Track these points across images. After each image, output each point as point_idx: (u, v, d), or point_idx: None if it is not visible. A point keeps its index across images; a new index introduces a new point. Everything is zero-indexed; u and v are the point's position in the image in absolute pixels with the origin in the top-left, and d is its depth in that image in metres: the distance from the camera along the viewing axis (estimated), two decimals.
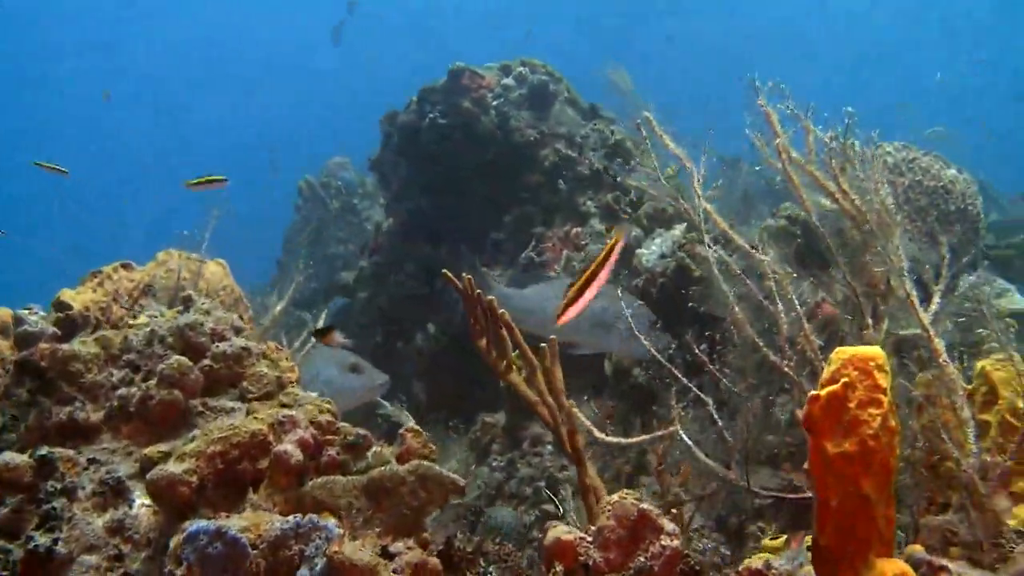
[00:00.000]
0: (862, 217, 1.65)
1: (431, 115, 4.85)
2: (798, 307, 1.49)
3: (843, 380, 0.97)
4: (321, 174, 9.26)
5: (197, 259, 2.31)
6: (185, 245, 2.46)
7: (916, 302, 1.33)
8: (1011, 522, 1.18)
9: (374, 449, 1.60)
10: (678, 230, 4.28)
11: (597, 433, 1.56)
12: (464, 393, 4.64)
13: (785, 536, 1.57)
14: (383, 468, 1.48)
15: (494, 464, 4.10)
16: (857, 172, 1.72)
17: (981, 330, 3.17)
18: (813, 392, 0.99)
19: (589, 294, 1.88)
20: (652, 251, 4.10)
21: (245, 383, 1.73)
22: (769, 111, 1.91)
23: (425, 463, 1.50)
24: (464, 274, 2.09)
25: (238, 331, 1.93)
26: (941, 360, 1.27)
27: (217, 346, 1.75)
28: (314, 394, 1.78)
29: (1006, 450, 1.23)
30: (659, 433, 1.56)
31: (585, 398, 4.03)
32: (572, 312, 2.23)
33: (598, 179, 4.73)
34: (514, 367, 2.17)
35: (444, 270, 2.22)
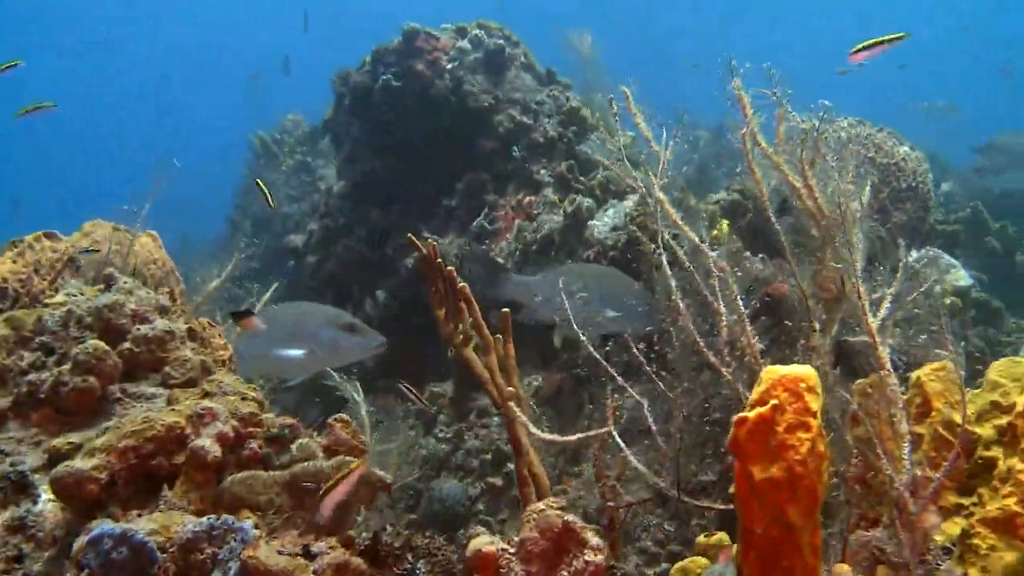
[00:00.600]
0: (825, 219, 1.60)
1: (384, 77, 4.72)
2: (741, 308, 1.44)
3: (772, 402, 0.93)
4: (275, 130, 9.06)
5: (126, 231, 2.21)
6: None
7: (867, 308, 1.29)
8: (939, 538, 1.16)
9: (300, 441, 1.54)
10: (631, 201, 4.23)
11: (533, 429, 1.51)
12: (413, 362, 4.58)
13: (719, 534, 1.55)
14: (307, 464, 1.42)
15: (441, 435, 4.07)
16: (831, 163, 1.66)
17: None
18: (740, 415, 0.95)
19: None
20: (604, 223, 4.05)
21: (168, 368, 1.66)
22: (742, 95, 1.84)
23: (350, 459, 1.44)
24: (429, 239, 2.06)
25: (163, 311, 1.84)
26: (884, 371, 1.23)
27: (139, 328, 1.67)
28: (237, 381, 1.71)
29: (937, 464, 1.21)
30: (592, 433, 1.52)
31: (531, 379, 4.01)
32: None
33: (553, 147, 4.66)
34: (470, 342, 2.14)
35: (409, 234, 2.19)
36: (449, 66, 4.72)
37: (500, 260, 4.20)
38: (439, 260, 2.10)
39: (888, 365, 1.23)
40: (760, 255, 3.50)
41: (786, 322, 2.39)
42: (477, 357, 2.08)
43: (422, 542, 1.61)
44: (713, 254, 1.60)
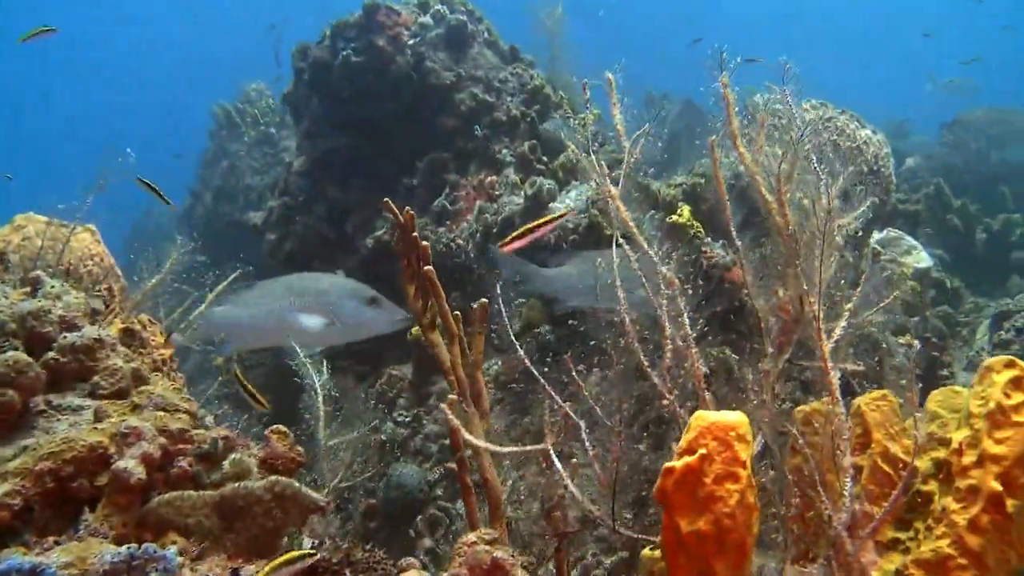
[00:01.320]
0: (791, 239, 1.54)
1: (344, 52, 4.61)
2: (687, 327, 1.39)
3: (700, 451, 0.90)
4: (237, 99, 8.89)
5: (61, 225, 2.12)
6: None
7: (823, 333, 1.25)
8: (875, 575, 1.14)
9: (233, 456, 1.49)
10: (593, 183, 4.19)
11: (468, 436, 1.47)
12: (372, 342, 4.52)
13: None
14: (237, 485, 1.37)
15: (399, 419, 4.03)
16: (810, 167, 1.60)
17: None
18: (668, 464, 0.91)
19: None
20: (565, 205, 4.01)
21: (96, 377, 1.59)
22: (728, 94, 1.78)
23: (283, 480, 1.39)
24: (407, 209, 1.95)
25: (96, 315, 1.78)
26: (833, 400, 1.20)
27: (66, 337, 1.60)
28: (171, 391, 1.65)
29: (876, 497, 1.18)
30: (531, 448, 1.48)
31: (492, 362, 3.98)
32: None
33: (516, 126, 4.59)
34: (436, 325, 2.06)
35: (386, 199, 2.03)
36: (411, 42, 4.62)
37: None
38: (415, 235, 1.98)
39: (838, 394, 1.20)
40: (721, 240, 3.48)
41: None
42: (442, 344, 2.01)
43: (361, 556, 1.57)
44: (665, 270, 1.55)
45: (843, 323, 1.27)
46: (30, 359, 1.50)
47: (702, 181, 3.81)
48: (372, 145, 4.75)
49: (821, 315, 1.27)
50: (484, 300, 2.00)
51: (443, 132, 4.61)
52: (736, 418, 0.91)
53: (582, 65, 5.53)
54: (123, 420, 1.39)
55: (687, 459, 0.90)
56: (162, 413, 1.45)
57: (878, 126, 10.29)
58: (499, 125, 4.56)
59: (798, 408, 1.37)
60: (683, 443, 0.92)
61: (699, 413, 0.93)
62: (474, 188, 4.42)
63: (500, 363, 3.91)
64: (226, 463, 1.47)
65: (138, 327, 2.07)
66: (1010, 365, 1.16)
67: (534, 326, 3.82)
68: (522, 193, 4.10)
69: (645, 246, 1.64)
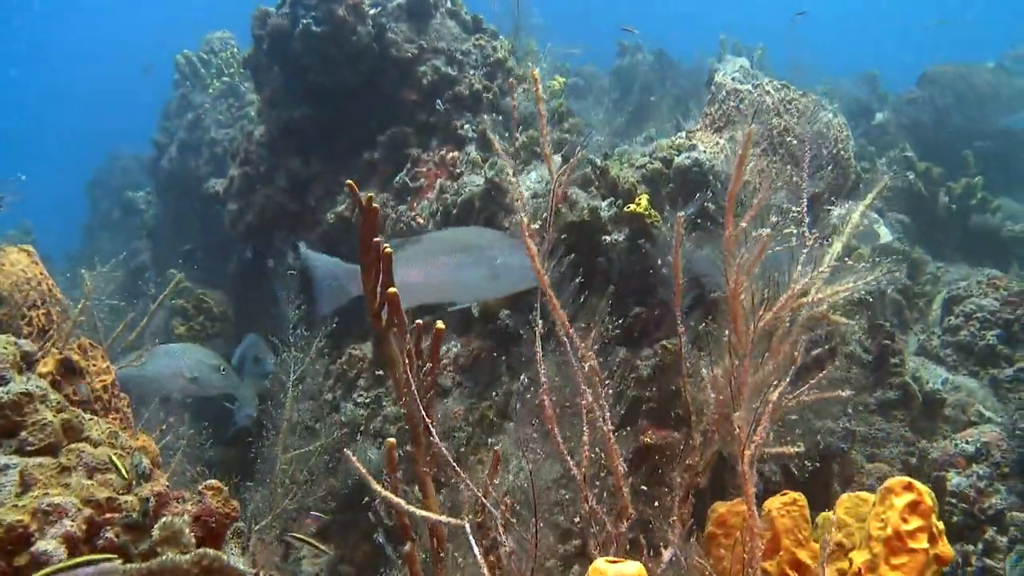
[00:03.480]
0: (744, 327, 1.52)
1: (304, 20, 4.51)
2: (607, 413, 1.39)
3: None
4: (200, 47, 8.69)
5: None
6: None
7: (746, 438, 1.24)
8: None
9: (164, 520, 1.50)
10: (554, 164, 4.15)
11: (388, 498, 1.49)
12: (334, 317, 4.52)
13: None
14: (164, 559, 1.38)
15: (359, 400, 4.05)
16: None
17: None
18: None
19: None
20: (526, 187, 3.99)
21: (24, 433, 1.59)
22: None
23: (211, 553, 1.41)
24: (368, 194, 1.86)
25: (27, 359, 1.77)
26: (749, 514, 1.21)
27: None
28: (105, 438, 1.66)
29: None
30: (445, 519, 1.50)
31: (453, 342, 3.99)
32: None
33: (478, 101, 4.53)
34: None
35: (349, 181, 1.92)
36: (372, 12, 4.52)
37: None
38: (377, 241, 1.81)
39: (752, 504, 1.22)
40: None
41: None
42: (398, 357, 1.96)
43: None
44: (582, 344, 1.54)
45: (763, 426, 1.28)
46: None
47: (661, 167, 3.79)
48: (334, 116, 4.68)
49: (747, 428, 1.27)
50: (440, 323, 1.96)
51: (405, 105, 4.55)
52: (634, 571, 0.93)
53: (548, 31, 5.45)
54: (46, 494, 1.40)
55: None
56: (89, 482, 1.46)
57: (849, 77, 10.21)
58: (461, 99, 4.51)
59: (712, 507, 1.39)
60: None
61: (595, 567, 0.94)
62: (436, 164, 4.38)
63: (460, 345, 3.92)
64: (156, 528, 1.48)
65: (76, 356, 2.06)
66: (908, 488, 1.18)
67: (493, 312, 3.83)
68: (483, 173, 4.06)
69: (570, 330, 1.58)
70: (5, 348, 1.70)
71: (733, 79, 4.23)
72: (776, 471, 2.74)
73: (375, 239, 1.81)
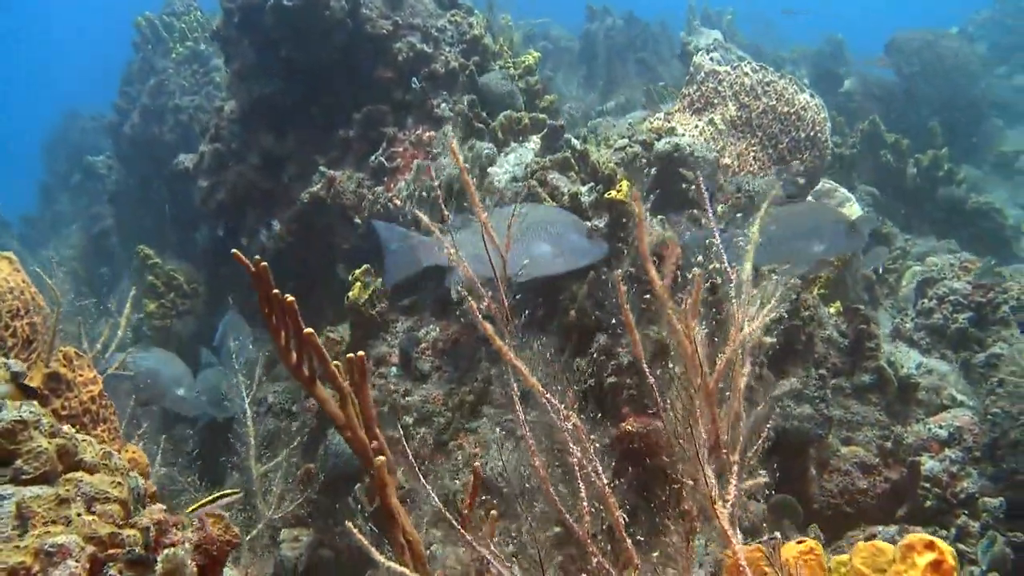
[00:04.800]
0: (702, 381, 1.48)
1: None
2: (599, 471, 1.39)
3: None
4: (162, 10, 8.46)
5: None
6: None
7: (720, 500, 1.25)
8: None
9: (166, 552, 1.50)
10: (532, 146, 4.13)
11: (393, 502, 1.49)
12: (308, 296, 4.49)
13: None
14: None
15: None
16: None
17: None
18: None
19: None
20: (505, 171, 3.96)
21: (19, 461, 1.56)
22: None
23: None
24: (255, 257, 1.72)
25: (16, 380, 1.74)
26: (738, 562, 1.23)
27: None
28: (102, 461, 1.64)
29: None
30: None
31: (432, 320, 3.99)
32: None
33: (454, 79, 4.47)
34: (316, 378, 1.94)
35: (234, 250, 1.71)
36: None
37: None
38: (276, 294, 1.68)
39: (742, 559, 1.23)
40: (660, 216, 3.49)
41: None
42: (330, 398, 1.91)
43: None
44: (569, 424, 1.51)
45: (733, 483, 1.29)
46: None
47: (640, 150, 3.79)
48: (308, 93, 4.60)
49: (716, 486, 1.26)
50: (361, 354, 1.88)
51: (380, 83, 4.48)
52: None
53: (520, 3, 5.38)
54: (47, 532, 1.38)
55: None
56: (90, 518, 1.45)
57: (815, 43, 10.17)
58: (437, 77, 4.44)
59: (725, 551, 1.40)
60: None
61: None
62: (412, 144, 4.34)
63: (439, 329, 3.92)
64: (159, 562, 1.47)
65: (63, 369, 2.03)
66: (930, 547, 1.21)
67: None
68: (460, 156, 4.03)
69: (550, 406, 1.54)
70: None
71: (711, 59, 4.22)
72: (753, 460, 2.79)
73: (274, 291, 1.67)
